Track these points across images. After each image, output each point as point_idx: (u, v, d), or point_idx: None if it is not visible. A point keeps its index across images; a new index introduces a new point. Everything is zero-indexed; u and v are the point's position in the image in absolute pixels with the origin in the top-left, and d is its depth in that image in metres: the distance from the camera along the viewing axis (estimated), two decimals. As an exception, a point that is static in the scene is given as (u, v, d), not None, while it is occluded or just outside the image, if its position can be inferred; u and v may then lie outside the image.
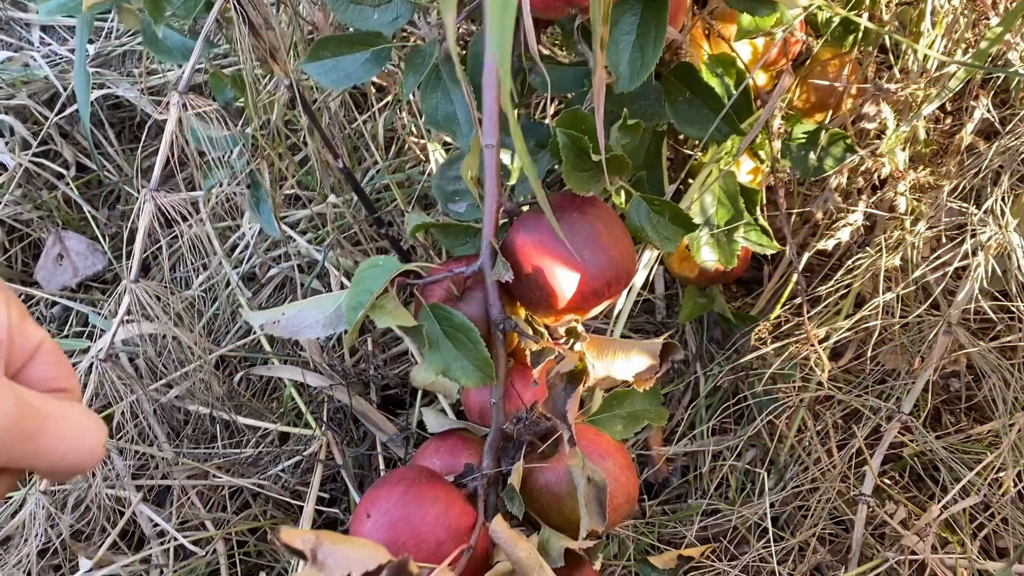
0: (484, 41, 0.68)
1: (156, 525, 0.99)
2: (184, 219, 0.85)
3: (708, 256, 0.89)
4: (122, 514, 0.98)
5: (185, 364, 1.00)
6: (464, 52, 0.81)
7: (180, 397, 1.03)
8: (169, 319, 0.87)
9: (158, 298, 0.85)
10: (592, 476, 0.63)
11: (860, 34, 0.91)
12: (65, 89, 1.36)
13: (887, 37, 0.91)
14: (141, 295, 0.82)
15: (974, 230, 0.86)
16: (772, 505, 0.92)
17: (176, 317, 0.89)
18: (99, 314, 1.17)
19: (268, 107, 0.98)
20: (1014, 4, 0.82)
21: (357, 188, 0.97)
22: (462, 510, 0.63)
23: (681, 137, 0.98)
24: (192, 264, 1.17)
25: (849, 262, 0.95)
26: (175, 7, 0.66)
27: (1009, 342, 0.92)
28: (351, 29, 0.77)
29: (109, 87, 1.38)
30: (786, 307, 0.95)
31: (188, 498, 1.02)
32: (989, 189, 0.89)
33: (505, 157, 0.84)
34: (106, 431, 0.38)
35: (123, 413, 0.93)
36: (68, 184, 1.35)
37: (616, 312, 0.93)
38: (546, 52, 1.14)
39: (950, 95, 0.84)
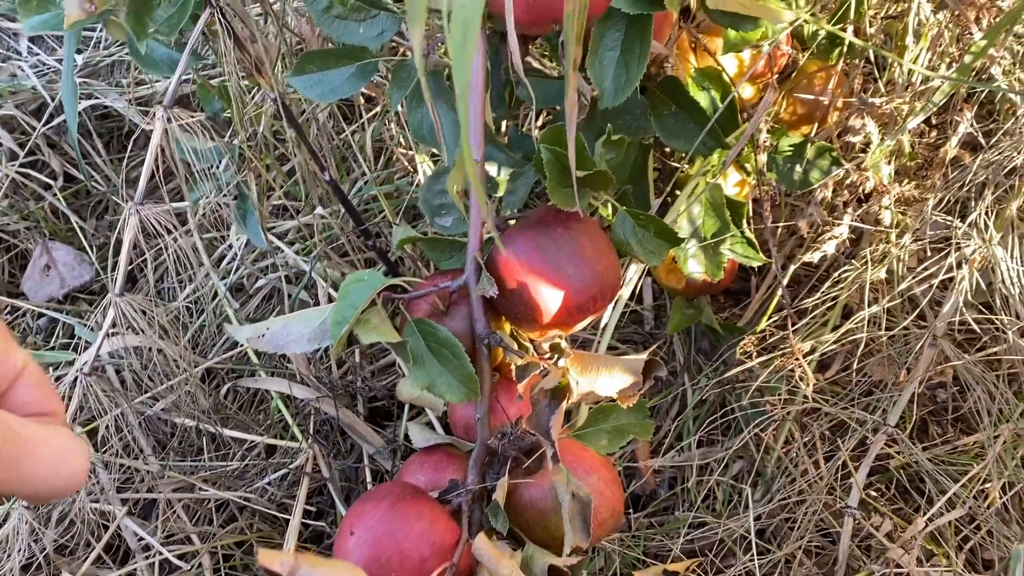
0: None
1: (141, 539, 0.98)
2: (170, 232, 0.85)
3: (695, 268, 0.89)
4: (107, 528, 0.97)
5: (171, 376, 1.00)
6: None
7: (166, 410, 1.03)
8: (155, 332, 0.87)
9: (144, 312, 0.85)
10: (577, 492, 0.63)
11: (845, 48, 0.91)
12: (53, 99, 1.35)
13: (872, 50, 0.91)
14: (126, 309, 0.82)
15: (959, 243, 0.87)
16: (759, 518, 0.92)
17: (162, 330, 0.88)
18: (86, 326, 1.16)
19: (256, 119, 0.98)
20: (996, 19, 0.83)
21: (344, 200, 0.97)
22: (446, 527, 0.62)
23: (667, 149, 0.98)
24: (179, 275, 1.17)
25: (836, 274, 0.95)
26: (159, 23, 0.65)
27: (994, 354, 0.92)
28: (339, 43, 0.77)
29: (97, 97, 1.37)
30: (772, 320, 0.95)
31: (174, 511, 1.01)
32: (973, 202, 0.90)
33: (492, 170, 0.84)
34: (89, 455, 0.38)
35: (107, 427, 0.92)
36: (55, 195, 1.34)
37: (603, 324, 0.93)
38: (536, 65, 1.14)
39: (935, 109, 0.85)
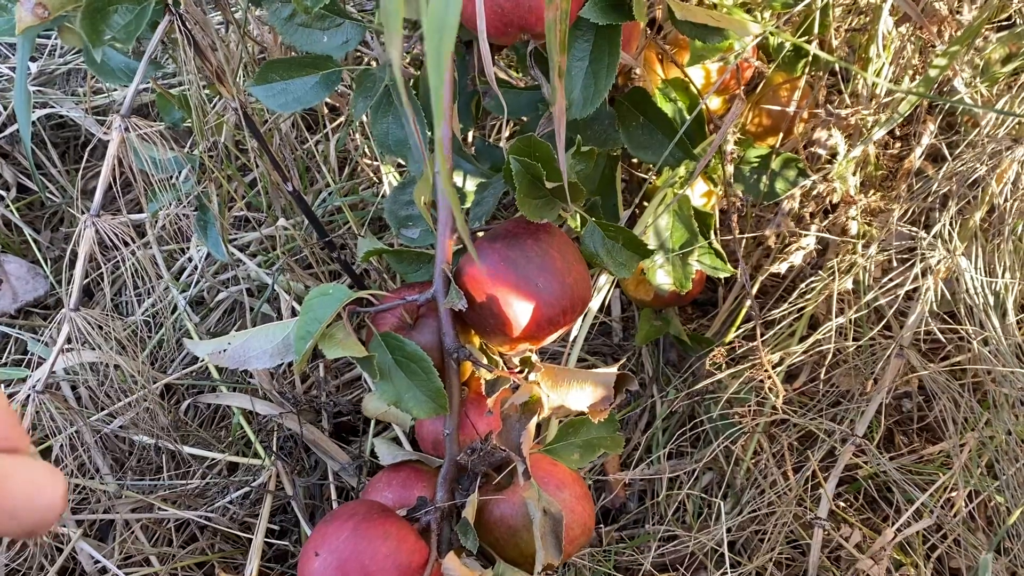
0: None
1: (97, 562, 0.95)
2: (127, 244, 0.82)
3: (663, 279, 0.89)
4: (61, 551, 0.94)
5: (129, 393, 0.97)
6: (419, 74, 0.80)
7: (124, 427, 1.00)
8: (112, 347, 0.84)
9: (100, 327, 0.82)
10: (548, 508, 0.62)
11: (810, 59, 0.92)
12: (5, 108, 1.32)
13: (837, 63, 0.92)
14: (81, 324, 0.79)
15: (923, 254, 0.87)
16: (729, 530, 0.92)
17: (119, 345, 0.86)
18: (40, 341, 1.12)
19: (217, 128, 0.96)
20: (958, 32, 0.84)
21: (307, 212, 0.95)
22: (414, 546, 0.61)
23: (634, 160, 0.98)
24: (137, 289, 1.14)
25: (803, 285, 0.96)
26: (115, 31, 0.63)
27: (958, 363, 0.93)
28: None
29: (52, 106, 1.34)
30: (740, 331, 0.95)
31: (132, 532, 0.98)
32: (937, 213, 0.91)
33: (459, 180, 0.83)
34: (66, 485, 0.37)
35: (62, 446, 0.89)
36: (8, 206, 1.30)
37: (572, 337, 0.92)
38: (501, 75, 1.14)
39: (899, 120, 0.86)
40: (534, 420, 0.62)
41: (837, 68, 0.99)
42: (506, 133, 1.19)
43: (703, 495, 0.98)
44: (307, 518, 0.98)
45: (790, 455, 0.95)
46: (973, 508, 0.90)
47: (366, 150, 1.23)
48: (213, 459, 1.02)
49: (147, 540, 0.98)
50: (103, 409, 0.98)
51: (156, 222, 1.12)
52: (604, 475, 1.02)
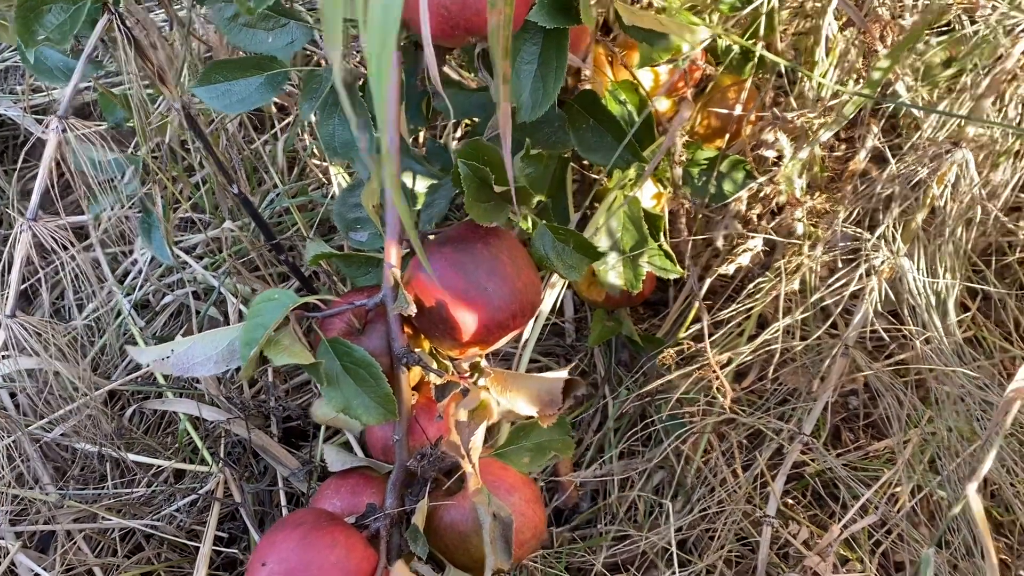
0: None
1: (37, 575, 0.92)
2: (66, 248, 0.80)
3: (614, 280, 0.89)
4: (-1, 564, 0.91)
5: (71, 400, 0.94)
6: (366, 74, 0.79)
7: (65, 435, 0.97)
8: (51, 353, 0.82)
9: (39, 333, 0.80)
10: (498, 512, 0.62)
11: (757, 61, 0.93)
12: (-61, 106, 1.27)
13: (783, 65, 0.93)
14: (18, 331, 0.77)
15: (868, 254, 0.89)
16: (679, 529, 0.93)
17: (59, 351, 0.83)
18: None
19: (161, 129, 0.94)
20: (900, 36, 0.86)
21: (254, 214, 0.94)
22: (363, 554, 0.60)
23: (585, 162, 0.98)
24: (78, 293, 1.11)
25: (751, 285, 0.97)
26: (49, 30, 0.61)
27: (902, 362, 0.95)
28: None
29: (-11, 104, 1.30)
30: (690, 331, 0.96)
31: (74, 543, 0.95)
32: (881, 215, 0.92)
33: (409, 182, 0.82)
34: None
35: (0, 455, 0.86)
36: (-58, 207, 1.26)
37: (524, 339, 0.92)
38: (453, 76, 1.13)
39: (845, 123, 0.87)
40: (484, 425, 0.61)
41: (784, 71, 1.00)
42: (458, 133, 1.18)
43: (654, 496, 0.98)
44: (256, 525, 0.96)
45: (739, 453, 0.96)
46: (916, 503, 0.92)
47: (315, 150, 1.22)
48: (159, 466, 1.00)
49: (90, 551, 0.96)
50: (43, 417, 0.95)
51: (99, 224, 1.09)
52: (556, 476, 1.02)
